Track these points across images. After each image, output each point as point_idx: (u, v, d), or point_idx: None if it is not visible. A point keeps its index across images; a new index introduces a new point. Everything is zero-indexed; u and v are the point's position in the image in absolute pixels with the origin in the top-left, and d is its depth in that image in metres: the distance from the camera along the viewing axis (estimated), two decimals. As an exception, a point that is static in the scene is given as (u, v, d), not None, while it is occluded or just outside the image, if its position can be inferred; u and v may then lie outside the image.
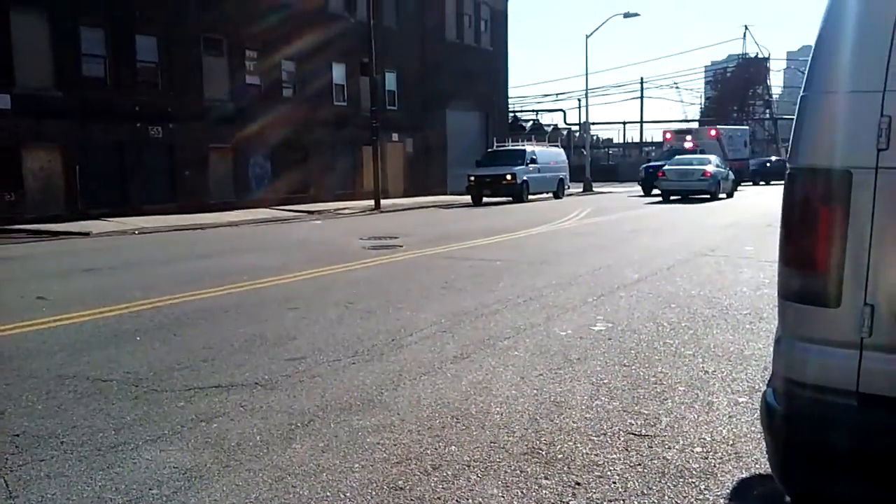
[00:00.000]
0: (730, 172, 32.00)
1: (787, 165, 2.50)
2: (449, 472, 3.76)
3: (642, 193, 35.30)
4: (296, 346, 6.37)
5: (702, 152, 33.76)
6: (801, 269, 2.42)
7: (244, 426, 4.44)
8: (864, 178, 2.27)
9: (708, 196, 29.45)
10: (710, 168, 29.77)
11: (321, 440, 4.20)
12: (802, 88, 2.48)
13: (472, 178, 31.31)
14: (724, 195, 30.30)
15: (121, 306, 8.32)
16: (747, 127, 45.92)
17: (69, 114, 22.44)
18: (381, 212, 26.99)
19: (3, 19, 21.11)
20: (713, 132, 40.05)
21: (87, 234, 18.70)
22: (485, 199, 31.40)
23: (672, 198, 29.95)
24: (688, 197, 29.84)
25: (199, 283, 9.85)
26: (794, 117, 2.50)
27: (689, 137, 38.73)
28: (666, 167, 30.82)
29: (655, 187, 32.22)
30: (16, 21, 21.48)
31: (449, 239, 15.31)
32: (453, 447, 4.07)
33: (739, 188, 35.68)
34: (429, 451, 4.02)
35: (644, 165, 37.97)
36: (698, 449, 4.01)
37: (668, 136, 42.56)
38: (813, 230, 2.39)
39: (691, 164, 30.48)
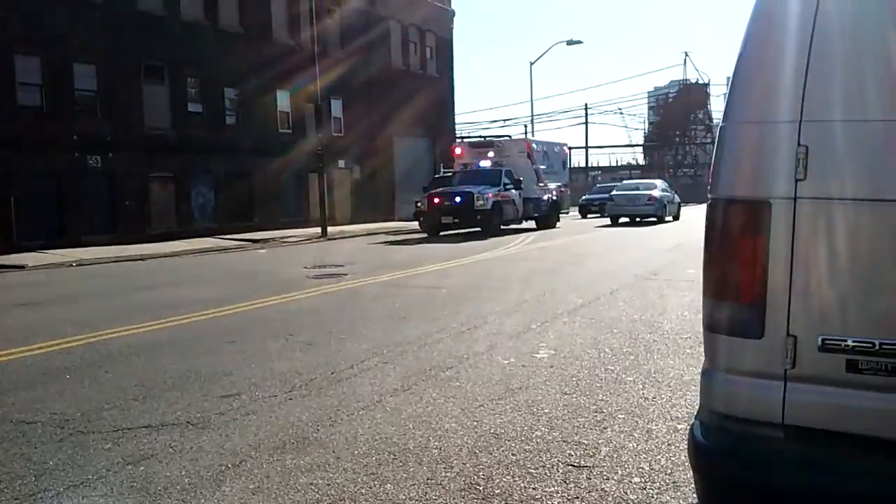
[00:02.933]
0: (675, 195, 32.97)
1: (708, 196, 2.49)
2: (383, 512, 3.65)
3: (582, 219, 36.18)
4: (231, 381, 6.20)
5: (505, 173, 26.49)
6: (722, 299, 2.40)
7: (173, 469, 4.27)
8: (783, 209, 2.27)
9: (655, 219, 30.55)
10: (655, 193, 31.16)
11: (252, 482, 4.06)
12: (722, 119, 2.48)
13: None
14: (670, 217, 31.55)
15: (51, 343, 8.02)
16: (566, 144, 35.10)
17: (4, 143, 21.83)
18: (329, 239, 26.77)
19: (-68, 47, 20.53)
20: (521, 145, 29.42)
21: (22, 268, 18.13)
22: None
23: (621, 220, 31.12)
24: (635, 220, 30.93)
25: (134, 318, 9.57)
26: (714, 148, 2.50)
27: (490, 153, 28.19)
28: (613, 192, 32.72)
29: (592, 212, 37.36)
30: (-54, 49, 20.91)
31: (395, 266, 15.22)
32: (389, 485, 3.97)
33: (559, 224, 30.08)
34: (363, 491, 3.91)
35: (583, 197, 39.95)
36: (637, 479, 3.97)
37: (460, 151, 29.93)
38: (733, 261, 2.38)
39: (637, 190, 32.16)
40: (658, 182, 34.01)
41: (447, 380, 6.07)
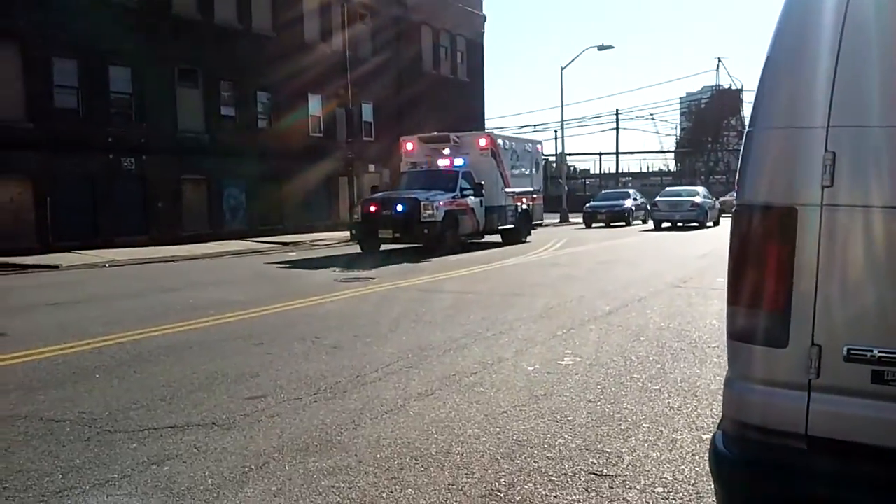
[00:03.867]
0: (715, 201, 33.82)
1: (734, 202, 2.46)
2: (403, 517, 3.65)
3: (584, 225, 35.01)
4: (257, 383, 6.24)
5: (462, 175, 21.46)
6: (747, 307, 2.37)
7: (196, 469, 4.31)
8: (809, 216, 2.23)
9: (697, 224, 31.69)
10: (697, 199, 32.45)
11: (274, 483, 4.08)
12: (748, 124, 2.45)
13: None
14: (710, 223, 32.44)
15: (83, 342, 8.14)
16: (539, 142, 28.47)
17: (40, 145, 22.21)
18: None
19: (-27, 51, 20.96)
20: (484, 141, 23.03)
21: (56, 268, 18.42)
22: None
23: (664, 226, 32.04)
24: (676, 225, 31.89)
25: (165, 318, 9.68)
26: (741, 154, 2.48)
27: (446, 150, 22.71)
28: (658, 199, 33.87)
29: (598, 220, 34.99)
30: (-14, 52, 21.35)
31: (422, 272, 15.23)
32: (410, 490, 3.97)
33: (529, 237, 24.93)
34: (385, 495, 3.91)
35: (587, 205, 37.38)
36: (660, 489, 3.93)
37: (411, 146, 23.74)
38: (759, 268, 2.35)
39: (680, 196, 33.20)
40: (700, 189, 35.70)
41: (471, 385, 6.05)
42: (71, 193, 23.25)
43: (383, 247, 20.10)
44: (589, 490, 3.93)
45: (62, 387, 6.27)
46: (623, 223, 34.45)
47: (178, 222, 26.80)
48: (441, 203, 19.53)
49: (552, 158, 62.24)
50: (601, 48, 41.08)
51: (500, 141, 23.58)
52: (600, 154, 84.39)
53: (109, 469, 4.34)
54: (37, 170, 22.36)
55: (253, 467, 4.33)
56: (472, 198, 20.99)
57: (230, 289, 13.17)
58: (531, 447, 4.58)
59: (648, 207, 36.63)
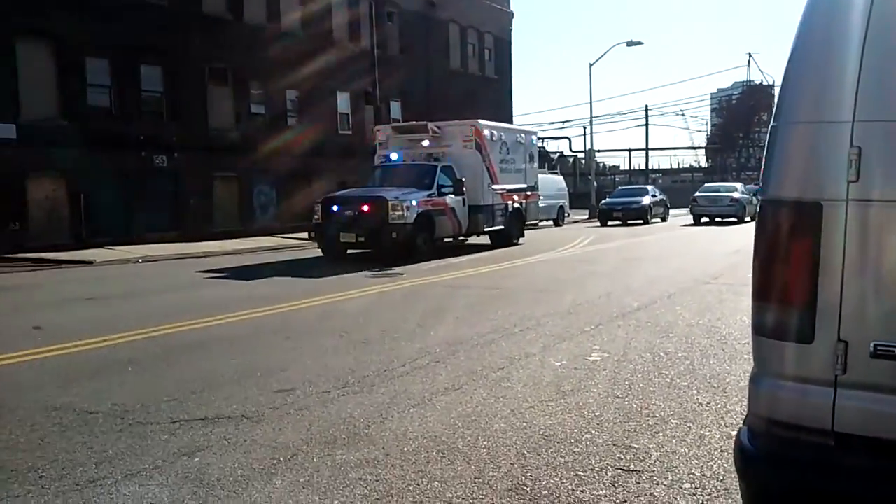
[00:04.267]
0: (753, 197, 33.73)
1: (759, 197, 2.45)
2: (430, 510, 3.67)
3: (599, 224, 34.01)
4: (286, 377, 6.31)
5: (442, 170, 18.62)
6: (772, 303, 2.36)
7: (226, 460, 4.37)
8: (835, 211, 2.21)
9: (735, 220, 32.14)
10: (736, 195, 33.22)
11: (302, 475, 4.13)
12: (772, 119, 2.43)
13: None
14: (748, 218, 32.30)
15: (116, 336, 8.27)
16: (534, 132, 25.62)
17: (74, 143, 22.55)
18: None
19: (8, 50, 21.32)
20: (467, 131, 20.00)
21: (90, 263, 18.71)
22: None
23: (703, 220, 32.61)
24: (714, 220, 32.55)
25: (196, 313, 9.79)
26: (765, 148, 2.46)
27: (424, 142, 19.95)
28: (697, 194, 34.50)
29: (613, 218, 33.60)
30: (21, 51, 21.70)
31: (450, 267, 15.25)
32: (437, 483, 3.99)
33: (521, 240, 22.12)
34: (411, 488, 3.94)
35: (602, 202, 36.25)
36: (687, 485, 3.91)
37: (385, 137, 21.08)
38: (784, 263, 2.33)
39: (719, 192, 33.91)
40: (738, 185, 36.43)
41: (498, 380, 6.06)
42: (104, 190, 23.57)
43: (350, 251, 17.56)
44: (616, 485, 3.93)
45: (96, 379, 6.39)
46: (640, 221, 33.29)
47: (209, 219, 27.08)
48: (414, 202, 16.83)
49: (581, 155, 61.93)
50: (630, 44, 40.81)
51: (486, 131, 20.32)
52: (630, 150, 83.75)
53: (141, 460, 4.41)
54: (71, 167, 22.71)
55: (282, 459, 4.38)
56: (451, 196, 18.27)
57: (260, 285, 13.28)
58: (558, 442, 4.58)
59: (668, 204, 36.44)
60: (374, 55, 28.63)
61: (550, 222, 33.85)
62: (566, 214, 35.33)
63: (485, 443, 4.60)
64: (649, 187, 38.76)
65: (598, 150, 68.20)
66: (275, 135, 29.14)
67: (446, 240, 19.27)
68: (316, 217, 17.52)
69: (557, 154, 62.54)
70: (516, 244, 21.33)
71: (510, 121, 46.13)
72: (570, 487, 3.91)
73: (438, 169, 18.51)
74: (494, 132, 21.00)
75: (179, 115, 26.06)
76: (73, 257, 19.54)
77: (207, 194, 27.16)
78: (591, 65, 42.07)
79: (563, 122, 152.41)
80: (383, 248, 16.71)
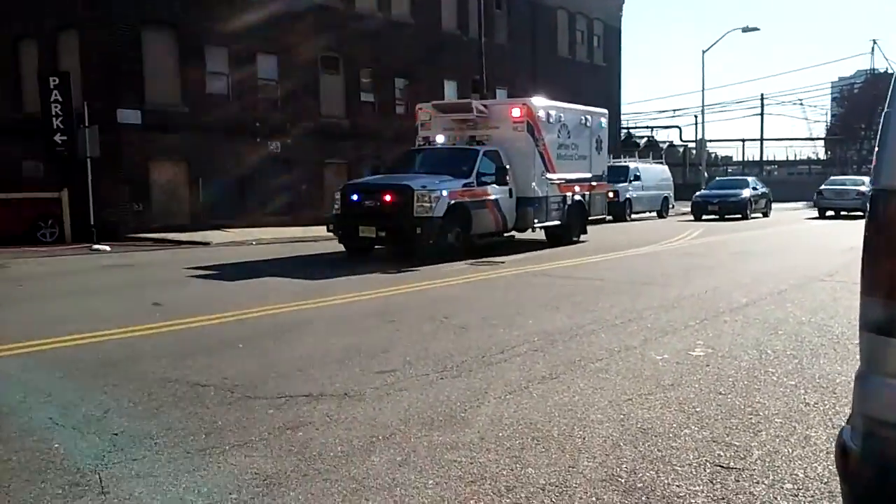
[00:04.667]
0: None
1: (871, 187, 2.35)
2: (522, 495, 3.70)
3: (692, 218, 31.14)
4: (387, 358, 6.45)
5: (485, 155, 16.14)
6: (882, 298, 2.26)
7: (328, 436, 4.52)
8: None
9: (861, 214, 29.95)
10: (862, 188, 31.64)
11: (400, 454, 4.23)
12: (886, 104, 2.32)
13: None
14: None
15: (229, 314, 8.66)
16: (604, 112, 21.34)
17: (194, 128, 23.59)
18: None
19: (135, 39, 22.47)
20: (518, 111, 17.18)
21: (207, 244, 19.58)
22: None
23: (828, 214, 31.94)
24: (839, 214, 31.81)
25: (305, 294, 10.13)
26: (878, 136, 2.35)
27: (469, 122, 17.48)
28: (823, 187, 33.39)
29: (709, 212, 30.81)
30: (147, 40, 22.83)
31: (551, 257, 15.17)
32: (530, 469, 4.01)
33: (584, 236, 19.35)
34: (505, 472, 3.98)
35: (696, 194, 33.21)
36: (789, 485, 3.80)
37: (427, 116, 18.40)
38: (895, 256, 2.23)
39: (845, 185, 33.13)
40: (864, 178, 34.54)
41: (596, 371, 6.02)
42: (221, 175, 24.57)
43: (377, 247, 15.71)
44: (714, 482, 3.85)
45: (209, 354, 6.71)
46: (738, 216, 30.46)
47: (321, 204, 27.81)
48: (444, 193, 14.53)
49: (692, 145, 60.24)
50: (745, 30, 39.34)
51: (540, 112, 17.42)
52: (743, 140, 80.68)
53: (248, 432, 4.62)
54: (190, 152, 23.77)
55: (380, 437, 4.50)
56: (493, 186, 15.81)
57: (368, 267, 13.52)
58: (655, 436, 4.52)
59: (771, 198, 34.31)
60: (481, 43, 28.61)
61: (654, 214, 33.04)
62: (671, 206, 34.23)
63: (580, 432, 4.59)
64: (750, 179, 35.63)
65: (710, 140, 66.11)
66: (383, 122, 29.64)
67: (487, 236, 16.70)
68: (336, 208, 15.42)
69: (667, 144, 60.98)
70: (576, 242, 18.46)
71: (618, 108, 45.25)
72: (665, 481, 3.86)
73: (480, 154, 16.01)
74: (552, 113, 17.98)
75: (293, 103, 26.85)
76: (191, 238, 20.50)
77: (318, 180, 27.90)
78: (703, 51, 40.71)
79: (674, 110, 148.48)
80: (406, 244, 14.76)
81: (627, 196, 30.29)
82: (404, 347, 6.89)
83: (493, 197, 15.90)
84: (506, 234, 17.26)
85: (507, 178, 16.03)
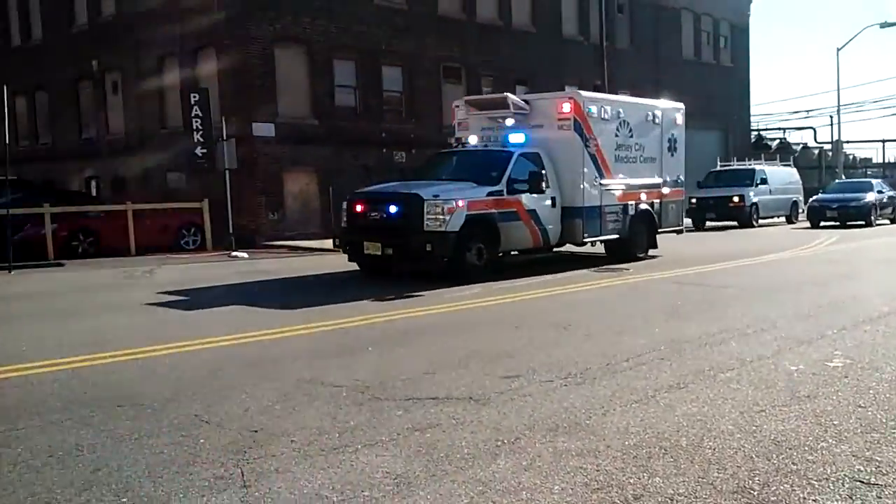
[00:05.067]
0: None
1: None
2: None
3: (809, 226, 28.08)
4: (512, 364, 6.52)
5: (520, 158, 13.84)
6: None
7: (454, 438, 4.63)
8: None
9: None
10: None
11: (524, 458, 4.28)
12: None
13: (694, 201, 27.75)
14: None
15: (359, 318, 8.96)
16: (678, 108, 18.18)
17: (324, 140, 24.46)
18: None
19: (269, 56, 23.54)
20: (566, 106, 14.59)
21: (338, 251, 20.19)
22: (708, 224, 28.70)
23: None
24: None
25: (430, 301, 10.34)
26: None
27: (508, 120, 15.00)
28: None
29: (828, 219, 27.49)
30: (279, 57, 23.87)
31: (677, 263, 14.80)
32: (658, 479, 3.98)
33: (654, 250, 16.52)
34: (632, 481, 3.96)
35: (813, 198, 29.68)
36: (937, 505, 3.60)
37: (463, 113, 16.23)
38: None
39: None
40: None
41: (726, 381, 5.87)
42: (350, 184, 25.22)
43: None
44: (853, 497, 3.70)
45: (340, 356, 6.99)
46: (861, 223, 27.24)
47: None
48: (461, 202, 12.36)
49: (827, 146, 57.29)
50: (883, 26, 37.11)
51: (591, 107, 14.84)
52: (884, 141, 75.88)
53: (378, 432, 4.79)
54: (321, 162, 24.66)
55: (505, 441, 4.56)
56: (527, 195, 13.51)
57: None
58: (790, 448, 4.38)
59: None
60: (602, 48, 28.33)
61: (783, 219, 31.25)
62: (800, 210, 32.14)
63: (710, 443, 4.50)
64: (875, 181, 31.45)
65: (847, 142, 62.51)
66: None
67: (526, 252, 14.83)
68: (344, 221, 13.68)
69: (801, 146, 58.19)
70: (641, 258, 15.73)
71: (747, 110, 43.60)
72: (801, 495, 3.74)
73: (514, 157, 13.69)
74: (606, 108, 15.29)
75: (416, 113, 27.40)
76: (324, 245, 21.21)
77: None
78: (838, 49, 38.69)
79: (807, 111, 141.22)
80: (415, 263, 13.02)
81: (753, 201, 28.81)
82: (528, 353, 6.93)
83: (529, 207, 13.61)
84: (554, 250, 15.38)
85: (544, 184, 13.59)
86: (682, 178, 17.65)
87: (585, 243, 15.17)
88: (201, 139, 21.17)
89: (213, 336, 7.98)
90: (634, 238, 15.86)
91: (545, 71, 30.67)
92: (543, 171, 13.67)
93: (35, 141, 32.68)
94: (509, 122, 14.90)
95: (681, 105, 18.28)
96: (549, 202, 14.06)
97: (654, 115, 16.77)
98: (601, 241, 15.58)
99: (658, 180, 16.65)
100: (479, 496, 3.78)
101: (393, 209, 12.56)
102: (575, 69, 31.52)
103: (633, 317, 8.84)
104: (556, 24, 32.13)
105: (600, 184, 14.89)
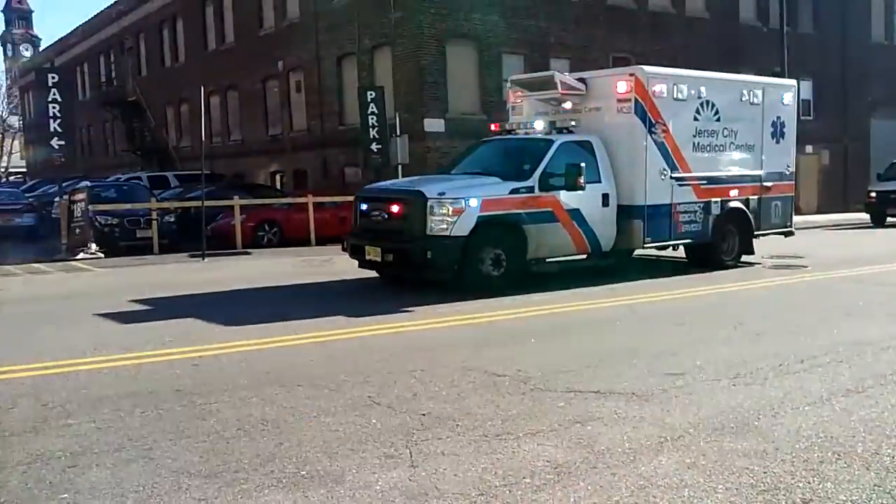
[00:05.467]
0: None
1: None
2: (820, 508, 3.57)
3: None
4: (676, 361, 6.43)
5: (561, 148, 11.39)
6: None
7: (615, 433, 4.66)
8: None
9: None
10: None
11: (688, 456, 4.25)
12: None
13: (874, 195, 24.59)
14: None
15: (526, 309, 9.11)
16: (788, 86, 14.91)
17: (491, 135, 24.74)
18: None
19: (440, 53, 24.11)
20: (623, 86, 11.97)
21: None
22: (889, 220, 24.78)
23: None
24: None
25: (589, 295, 10.30)
26: None
27: (566, 104, 12.64)
28: None
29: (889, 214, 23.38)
30: (450, 54, 24.39)
31: (860, 261, 13.85)
32: (829, 484, 3.84)
33: (751, 255, 13.81)
34: (801, 485, 3.84)
35: (873, 188, 24.78)
36: None
37: (513, 94, 13.87)
38: None
39: None
40: None
41: (912, 387, 5.52)
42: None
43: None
44: None
45: (503, 347, 7.17)
46: None
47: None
48: (473, 203, 10.42)
49: None
50: None
51: (657, 86, 12.16)
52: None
53: (539, 422, 4.90)
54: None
55: (668, 438, 4.54)
56: (566, 192, 11.11)
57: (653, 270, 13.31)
58: (982, 462, 4.09)
59: None
60: (783, 33, 26.79)
61: None
62: None
63: (889, 451, 4.27)
64: None
65: None
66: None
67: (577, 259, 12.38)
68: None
69: None
70: (730, 266, 13.16)
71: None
72: None
73: (554, 147, 11.41)
74: (680, 87, 12.55)
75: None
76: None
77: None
78: None
79: None
80: (417, 272, 11.07)
81: None
82: (694, 351, 6.80)
83: (570, 206, 11.27)
84: (637, 253, 13.22)
85: (581, 179, 10.99)
86: (791, 168, 14.51)
87: (652, 248, 12.92)
88: (376, 135, 22.04)
89: (387, 323, 8.39)
90: (721, 242, 13.23)
91: (720, 59, 29.37)
92: (583, 164, 11.04)
93: (227, 137, 35.21)
94: (566, 105, 12.65)
95: (790, 82, 15.43)
96: (598, 200, 11.63)
97: (751, 95, 13.70)
98: (672, 246, 13.25)
99: (757, 172, 13.71)
100: (639, 490, 3.81)
101: (395, 209, 10.77)
102: (752, 56, 30.00)
103: (809, 316, 8.43)
104: (731, 10, 30.74)
105: (671, 177, 12.32)
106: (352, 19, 25.90)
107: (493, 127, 13.15)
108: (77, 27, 51.92)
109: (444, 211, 10.25)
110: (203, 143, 18.17)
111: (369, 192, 11.97)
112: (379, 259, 10.78)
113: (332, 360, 6.77)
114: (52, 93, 18.23)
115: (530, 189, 10.91)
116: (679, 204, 12.48)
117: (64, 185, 21.26)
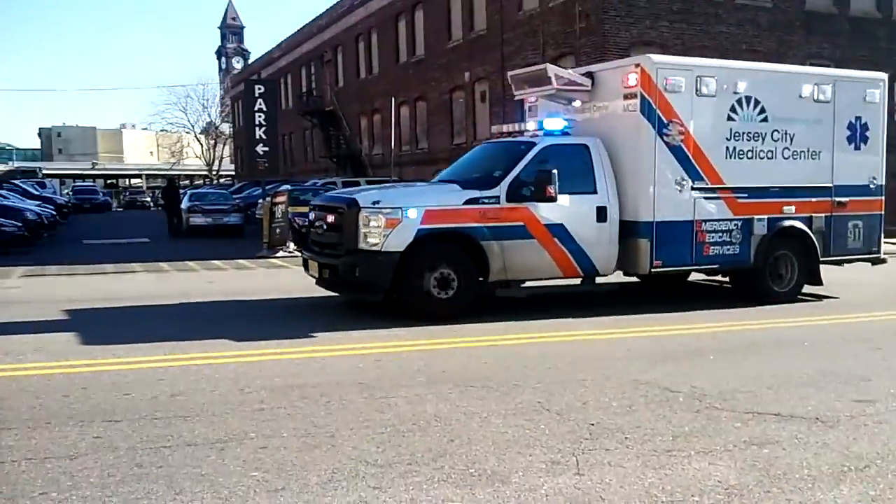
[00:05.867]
0: None
1: None
2: None
3: None
4: (867, 387, 6.04)
5: (542, 153, 9.76)
6: None
7: (794, 457, 4.47)
8: None
9: None
10: None
11: (873, 488, 4.02)
12: None
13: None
14: None
15: (697, 326, 8.86)
16: (877, 81, 11.57)
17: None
18: None
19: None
20: (632, 78, 9.91)
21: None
22: None
23: None
24: None
25: (773, 314, 9.83)
26: None
27: (576, 102, 10.85)
28: None
29: None
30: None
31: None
32: None
33: (819, 286, 11.26)
34: None
35: None
36: None
37: (534, 97, 11.62)
38: None
39: None
40: None
41: None
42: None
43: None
44: None
45: (679, 362, 7.01)
46: None
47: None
48: (413, 214, 9.09)
49: None
50: None
51: (671, 78, 10.02)
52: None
53: (713, 441, 4.78)
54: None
55: (852, 468, 4.30)
56: (548, 204, 9.48)
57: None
58: None
59: None
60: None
61: None
62: None
63: None
64: None
65: None
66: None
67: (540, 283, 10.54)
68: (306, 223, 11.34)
69: None
70: (781, 299, 10.81)
71: None
72: None
73: (534, 151, 9.81)
74: (706, 80, 10.26)
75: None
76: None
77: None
78: None
79: None
80: (352, 292, 9.91)
81: None
82: (889, 378, 6.35)
83: (549, 220, 9.60)
84: (605, 278, 10.53)
85: (552, 189, 9.29)
86: (878, 181, 11.67)
87: (662, 273, 10.88)
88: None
89: (541, 332, 8.46)
90: (769, 268, 10.84)
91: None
92: (554, 171, 9.28)
93: (415, 146, 36.53)
94: (576, 103, 10.88)
95: (878, 76, 11.99)
96: (591, 214, 9.86)
97: (816, 91, 11.06)
98: (696, 271, 11.18)
99: (825, 185, 11.15)
100: (816, 519, 3.66)
101: (330, 219, 9.68)
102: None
103: None
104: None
105: (693, 188, 10.20)
106: (536, 30, 26.12)
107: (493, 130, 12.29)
108: (281, 42, 55.80)
109: (377, 223, 9.02)
110: (393, 150, 19.01)
111: (318, 200, 11.00)
112: (317, 275, 9.95)
113: (503, 364, 6.90)
114: (258, 102, 19.82)
115: (494, 199, 9.41)
116: (705, 221, 10.29)
117: (267, 188, 22.98)
